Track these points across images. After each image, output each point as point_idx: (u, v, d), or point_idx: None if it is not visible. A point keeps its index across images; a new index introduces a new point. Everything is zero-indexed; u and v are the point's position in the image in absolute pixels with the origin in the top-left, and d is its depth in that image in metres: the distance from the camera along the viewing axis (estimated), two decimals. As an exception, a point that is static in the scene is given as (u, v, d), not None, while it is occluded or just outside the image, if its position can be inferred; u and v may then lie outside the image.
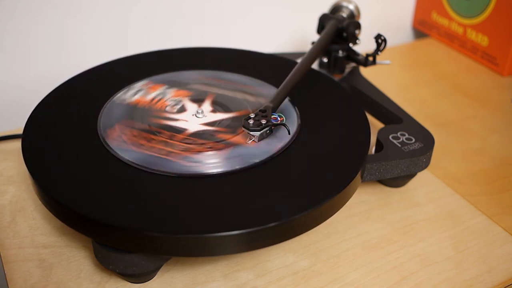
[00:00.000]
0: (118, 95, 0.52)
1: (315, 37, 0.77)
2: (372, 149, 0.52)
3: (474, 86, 0.74)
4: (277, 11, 0.80)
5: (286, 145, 0.46)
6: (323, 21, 0.62)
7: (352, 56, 0.61)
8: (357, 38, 0.61)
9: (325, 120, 0.50)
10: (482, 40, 0.79)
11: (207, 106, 0.51)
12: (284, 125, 0.47)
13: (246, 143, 0.46)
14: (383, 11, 0.88)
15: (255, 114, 0.47)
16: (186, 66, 0.58)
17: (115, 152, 0.44)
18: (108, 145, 0.45)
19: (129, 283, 0.42)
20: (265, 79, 0.56)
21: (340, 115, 0.51)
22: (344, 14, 0.63)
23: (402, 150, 0.49)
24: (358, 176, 0.44)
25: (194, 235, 0.37)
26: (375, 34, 0.59)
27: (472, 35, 0.80)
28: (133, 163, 0.43)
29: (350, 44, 0.62)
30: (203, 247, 0.38)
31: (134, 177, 0.42)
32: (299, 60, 0.56)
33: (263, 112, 0.47)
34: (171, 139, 0.46)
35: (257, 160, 0.44)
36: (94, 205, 0.39)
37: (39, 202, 0.49)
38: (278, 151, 0.45)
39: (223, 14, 0.76)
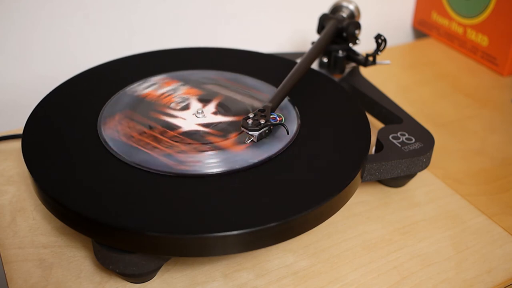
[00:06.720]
0: (117, 96, 0.52)
1: (315, 37, 0.77)
2: (372, 149, 0.52)
3: (474, 86, 0.74)
4: (277, 11, 0.80)
5: (285, 145, 0.46)
6: (323, 21, 0.62)
7: (352, 56, 0.61)
8: (357, 38, 0.61)
9: (325, 120, 0.50)
10: (482, 40, 0.79)
11: (210, 106, 0.51)
12: (283, 125, 0.47)
13: (245, 142, 0.46)
14: (383, 11, 0.88)
15: (254, 113, 0.47)
16: (186, 66, 0.58)
17: (116, 152, 0.44)
18: (109, 145, 0.45)
19: (129, 283, 0.42)
20: (265, 79, 0.56)
21: (340, 115, 0.51)
22: (344, 14, 0.63)
23: (402, 150, 0.49)
24: (358, 176, 0.44)
25: (194, 235, 0.37)
26: (375, 34, 0.59)
27: (472, 35, 0.80)
28: (134, 163, 0.43)
29: (350, 44, 0.62)
30: (203, 247, 0.38)
31: (134, 177, 0.42)
32: (299, 60, 0.55)
33: (262, 112, 0.47)
34: (172, 139, 0.46)
35: (256, 160, 0.44)
36: (94, 205, 0.39)
37: (39, 202, 0.49)
38: (277, 151, 0.45)
39: (223, 14, 0.76)
